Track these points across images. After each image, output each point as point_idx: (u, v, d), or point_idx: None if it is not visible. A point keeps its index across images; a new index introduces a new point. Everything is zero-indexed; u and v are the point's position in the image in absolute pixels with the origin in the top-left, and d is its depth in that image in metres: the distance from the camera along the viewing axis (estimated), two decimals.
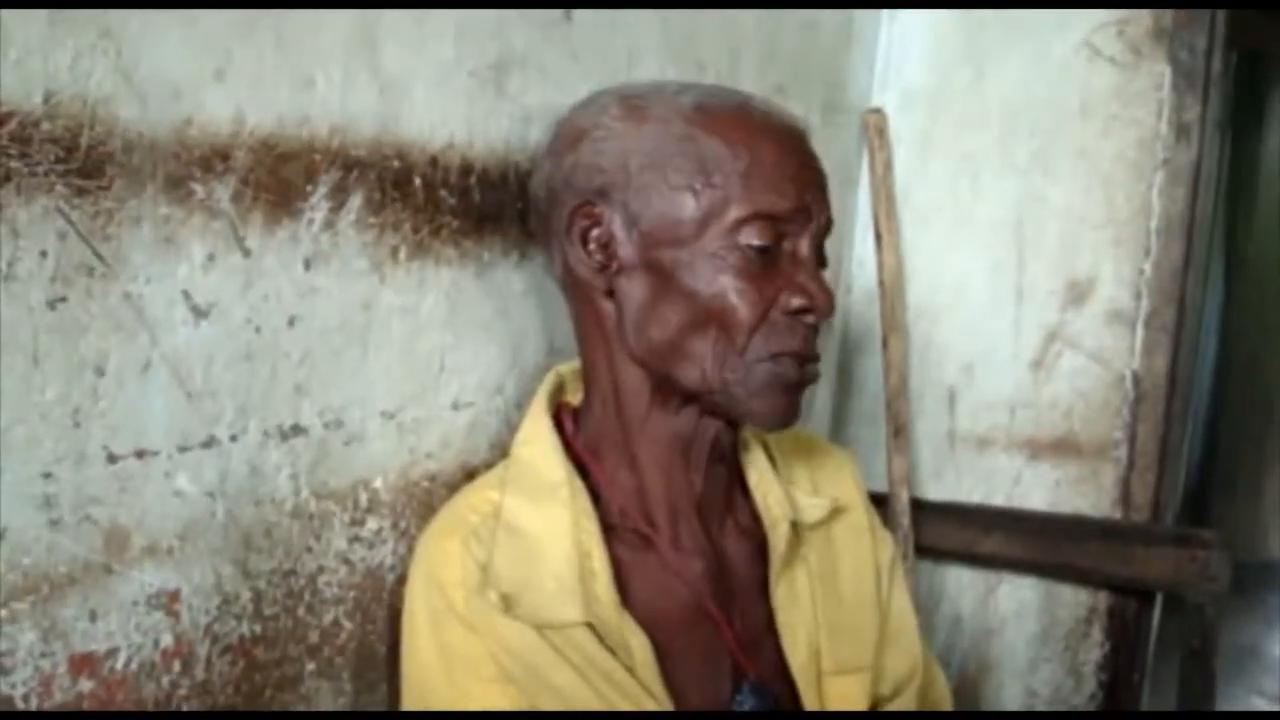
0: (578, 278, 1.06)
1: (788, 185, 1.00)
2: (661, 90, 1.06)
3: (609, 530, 1.04)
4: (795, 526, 1.10)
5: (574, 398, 1.14)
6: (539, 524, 1.02)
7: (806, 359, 1.02)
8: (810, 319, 1.02)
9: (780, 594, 1.08)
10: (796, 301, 1.00)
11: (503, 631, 0.98)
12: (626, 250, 1.03)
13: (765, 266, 1.00)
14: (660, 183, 1.01)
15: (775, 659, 1.07)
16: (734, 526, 1.11)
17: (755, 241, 0.99)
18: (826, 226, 1.04)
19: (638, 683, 0.98)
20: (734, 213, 0.99)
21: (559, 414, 1.11)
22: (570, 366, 1.15)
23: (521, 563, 1.01)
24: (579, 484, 1.05)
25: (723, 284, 0.99)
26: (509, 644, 0.98)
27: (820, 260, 1.04)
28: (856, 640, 1.12)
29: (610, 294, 1.05)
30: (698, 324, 1.00)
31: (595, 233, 1.04)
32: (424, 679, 1.01)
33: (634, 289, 1.03)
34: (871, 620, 1.15)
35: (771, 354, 1.00)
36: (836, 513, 1.15)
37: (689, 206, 1.00)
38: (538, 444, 1.07)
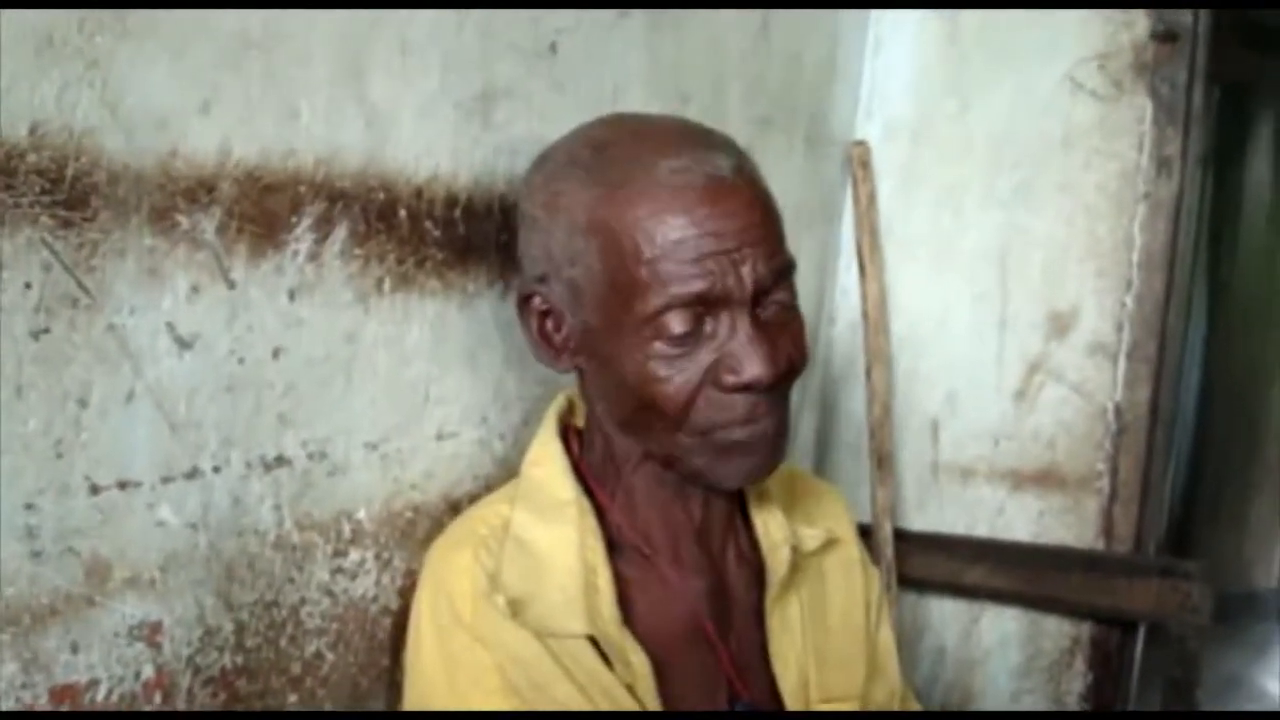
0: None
1: (696, 267, 0.95)
2: (575, 163, 1.02)
3: (614, 549, 1.05)
4: (794, 553, 1.11)
5: (580, 420, 1.15)
6: (547, 539, 1.04)
7: (754, 421, 1.00)
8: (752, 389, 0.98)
9: (774, 622, 1.09)
10: (729, 379, 0.97)
11: (508, 641, 0.98)
12: (575, 335, 1.03)
13: (693, 345, 0.97)
14: (580, 278, 1.00)
15: (768, 685, 1.08)
16: (735, 552, 1.12)
17: (674, 330, 0.96)
18: (773, 276, 0.99)
19: (636, 700, 0.99)
20: (647, 305, 0.96)
21: (566, 435, 1.12)
22: (575, 390, 1.16)
23: (529, 574, 1.02)
24: (586, 504, 1.06)
25: (646, 371, 0.98)
26: (514, 653, 0.98)
27: (754, 307, 0.99)
28: (844, 671, 1.13)
29: (579, 369, 1.06)
30: (641, 406, 1.00)
31: (549, 320, 1.05)
32: (427, 689, 1.01)
33: (591, 370, 1.05)
34: (860, 652, 1.16)
35: (711, 427, 0.99)
36: (830, 544, 1.17)
37: (607, 300, 0.99)
38: (548, 465, 1.09)
